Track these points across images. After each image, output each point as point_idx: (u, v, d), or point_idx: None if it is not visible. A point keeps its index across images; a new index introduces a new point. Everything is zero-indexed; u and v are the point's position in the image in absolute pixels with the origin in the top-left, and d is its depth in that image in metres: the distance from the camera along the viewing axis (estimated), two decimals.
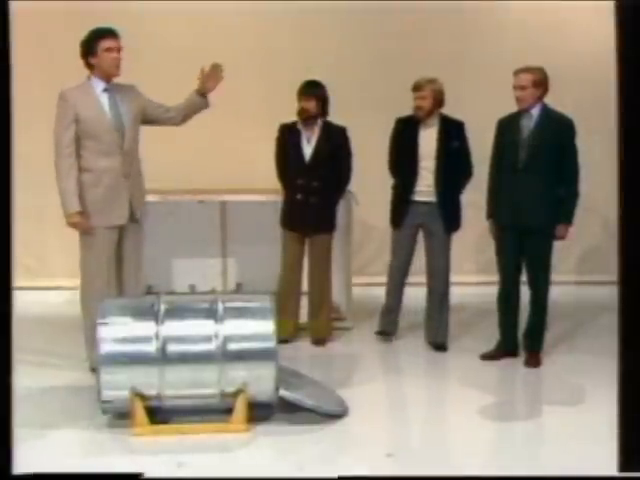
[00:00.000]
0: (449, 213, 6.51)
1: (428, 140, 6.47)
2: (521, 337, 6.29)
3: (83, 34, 5.72)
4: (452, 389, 5.79)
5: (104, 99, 5.64)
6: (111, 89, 5.67)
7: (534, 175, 5.98)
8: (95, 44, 5.59)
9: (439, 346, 6.59)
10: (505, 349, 6.31)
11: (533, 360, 6.17)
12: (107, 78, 5.66)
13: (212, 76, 5.80)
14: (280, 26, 8.05)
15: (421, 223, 6.57)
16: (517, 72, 6.02)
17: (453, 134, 6.48)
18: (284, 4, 7.75)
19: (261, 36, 8.03)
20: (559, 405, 5.47)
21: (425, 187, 6.49)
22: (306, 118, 6.51)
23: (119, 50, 5.64)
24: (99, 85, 5.65)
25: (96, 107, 5.61)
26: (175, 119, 5.90)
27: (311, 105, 6.50)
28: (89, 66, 5.64)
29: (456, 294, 6.84)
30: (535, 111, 6.03)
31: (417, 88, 6.45)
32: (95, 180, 5.65)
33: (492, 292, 6.37)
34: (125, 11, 7.43)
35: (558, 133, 6.01)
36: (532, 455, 4.70)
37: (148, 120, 5.84)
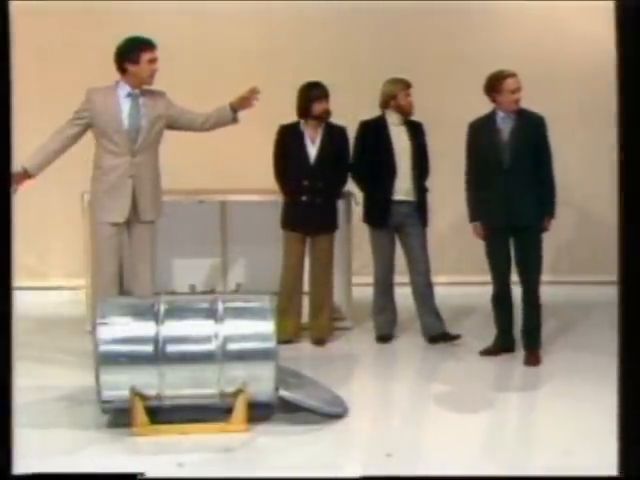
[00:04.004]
0: (425, 210, 6.67)
1: (401, 139, 6.61)
2: (519, 335, 6.32)
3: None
4: (452, 388, 5.79)
5: (126, 103, 5.76)
6: (137, 94, 5.78)
7: (520, 175, 6.07)
8: (138, 53, 5.70)
9: (438, 337, 6.61)
10: (503, 346, 6.37)
11: (533, 358, 6.19)
12: (139, 85, 5.77)
13: (247, 97, 5.91)
14: (280, 26, 8.05)
15: (400, 222, 6.62)
16: (510, 75, 6.08)
17: (418, 133, 6.66)
18: (284, 4, 7.75)
19: (261, 36, 8.04)
20: (559, 405, 5.47)
21: (404, 186, 6.58)
22: (326, 119, 6.55)
23: (157, 61, 5.79)
24: (125, 89, 5.77)
25: (114, 109, 5.74)
26: (203, 127, 6.04)
27: (329, 106, 6.54)
28: (122, 71, 5.75)
29: (456, 294, 6.84)
30: (513, 112, 6.12)
31: (409, 86, 6.58)
32: (101, 176, 5.81)
33: (488, 291, 6.40)
34: (125, 11, 7.44)
35: (535, 131, 6.13)
36: (532, 455, 4.71)
37: (176, 126, 5.97)
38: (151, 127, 5.80)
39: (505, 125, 6.13)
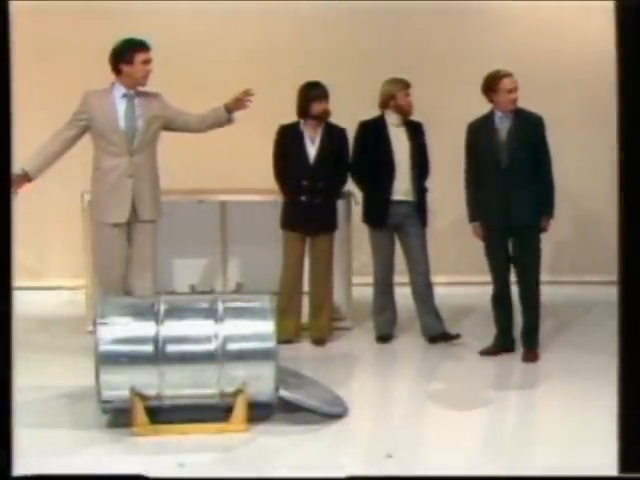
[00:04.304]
0: (424, 210, 6.67)
1: (401, 139, 6.61)
2: (519, 335, 6.33)
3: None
4: (452, 388, 5.79)
5: (122, 104, 5.81)
6: (132, 95, 5.82)
7: (518, 174, 6.09)
8: (132, 54, 5.76)
9: (438, 337, 6.61)
10: (502, 346, 6.37)
11: (531, 355, 6.23)
12: (133, 86, 5.82)
13: (241, 99, 6.00)
14: (280, 26, 8.05)
15: (399, 222, 6.62)
16: (506, 75, 6.12)
17: (417, 133, 6.65)
18: (284, 4, 7.75)
19: (261, 36, 8.03)
20: (559, 404, 5.48)
21: (403, 186, 6.57)
22: (325, 119, 6.55)
23: (151, 62, 5.84)
24: (120, 90, 5.82)
25: (110, 110, 5.79)
26: (199, 128, 6.12)
27: (328, 106, 6.54)
28: (117, 71, 5.80)
29: (456, 294, 6.84)
30: (511, 112, 6.14)
31: (409, 86, 6.58)
32: (101, 177, 5.85)
33: (488, 291, 6.40)
34: (125, 11, 7.43)
35: (533, 131, 6.15)
36: (532, 455, 4.70)
37: (172, 127, 6.03)
38: (147, 127, 5.84)
39: (503, 125, 6.15)
